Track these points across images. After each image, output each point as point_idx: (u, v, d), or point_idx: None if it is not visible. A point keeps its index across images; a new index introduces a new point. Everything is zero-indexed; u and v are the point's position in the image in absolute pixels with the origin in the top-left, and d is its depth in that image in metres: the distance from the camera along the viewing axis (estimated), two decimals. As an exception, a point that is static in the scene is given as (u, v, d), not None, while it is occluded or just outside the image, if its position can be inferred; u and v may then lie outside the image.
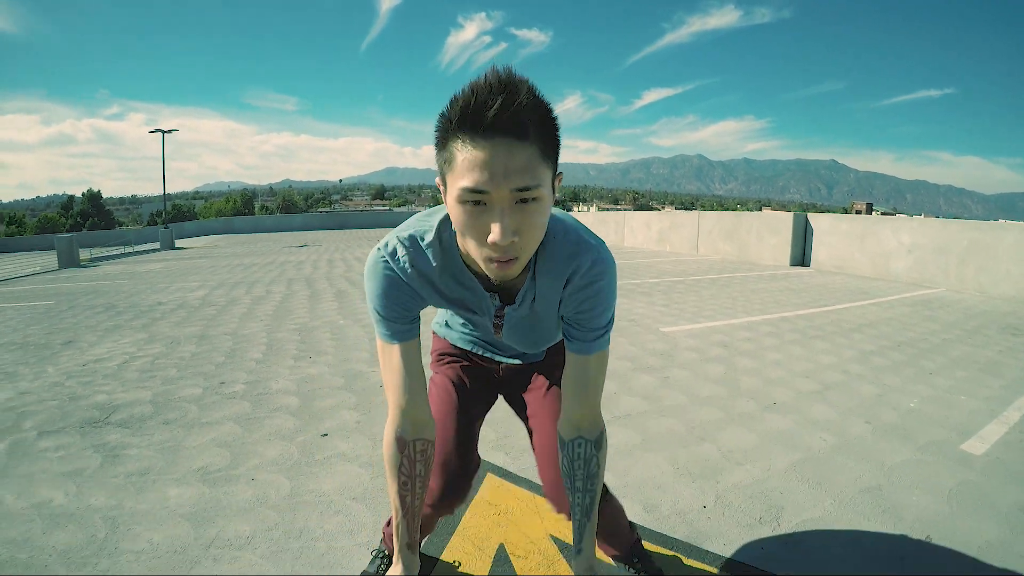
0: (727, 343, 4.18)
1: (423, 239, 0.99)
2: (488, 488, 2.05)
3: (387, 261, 0.99)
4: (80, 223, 55.83)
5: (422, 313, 1.09)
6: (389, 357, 1.06)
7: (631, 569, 1.45)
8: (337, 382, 3.38)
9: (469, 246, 0.85)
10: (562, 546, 1.69)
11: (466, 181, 0.77)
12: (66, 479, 2.19)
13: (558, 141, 0.82)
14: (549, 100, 0.80)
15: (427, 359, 1.40)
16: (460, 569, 1.58)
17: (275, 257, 13.34)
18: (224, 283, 8.63)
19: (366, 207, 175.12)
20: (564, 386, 1.11)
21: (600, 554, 1.46)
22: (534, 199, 0.80)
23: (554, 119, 0.81)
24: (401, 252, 0.98)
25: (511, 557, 1.63)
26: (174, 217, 55.25)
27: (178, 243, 22.66)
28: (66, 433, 2.67)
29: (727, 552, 1.65)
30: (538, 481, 2.02)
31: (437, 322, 1.49)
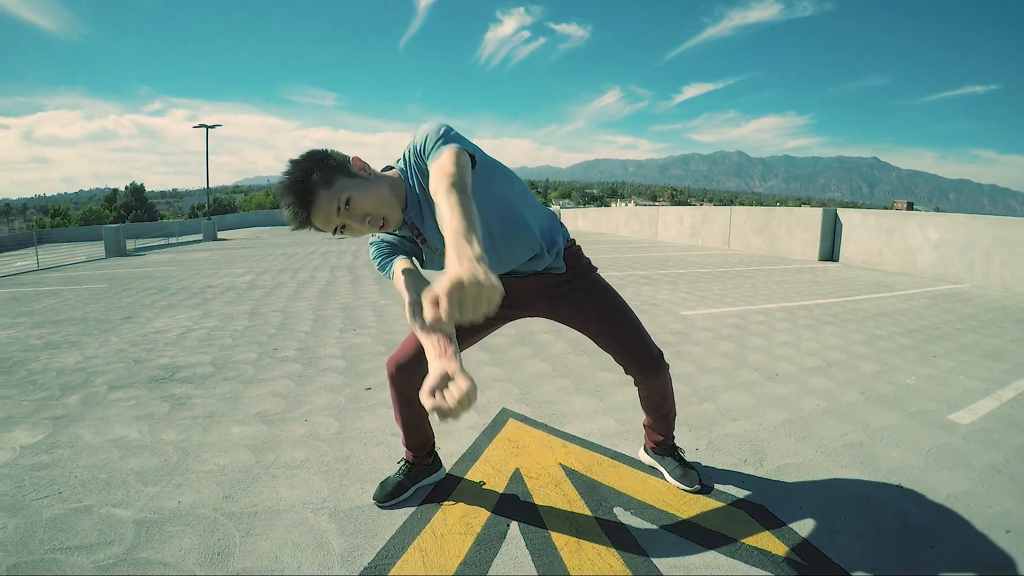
0: (741, 325, 4.40)
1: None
2: (510, 429, 2.38)
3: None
4: (124, 215, 57.95)
5: None
6: None
7: (672, 459, 1.91)
8: (379, 349, 3.75)
9: None
10: (568, 472, 2.00)
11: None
12: (139, 421, 2.56)
13: (327, 165, 1.25)
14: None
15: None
16: (483, 487, 1.90)
17: (316, 247, 13.89)
18: (269, 269, 9.14)
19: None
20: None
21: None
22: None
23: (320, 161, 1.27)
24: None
25: (524, 478, 1.95)
26: (215, 210, 56.93)
27: (220, 235, 23.53)
28: (135, 387, 3.05)
29: (710, 482, 1.92)
30: (556, 427, 2.34)
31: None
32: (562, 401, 2.72)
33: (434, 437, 1.89)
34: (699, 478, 1.88)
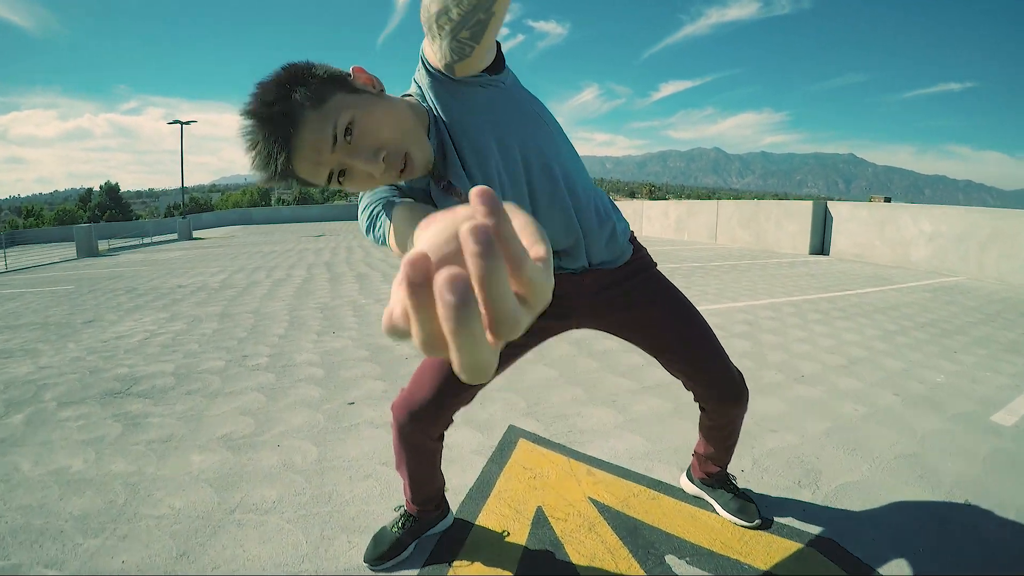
0: (752, 322, 4.15)
1: None
2: (522, 452, 2.04)
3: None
4: (98, 215, 56.41)
5: None
6: None
7: (725, 490, 1.61)
8: (362, 354, 3.39)
9: None
10: (601, 508, 1.67)
11: None
12: (85, 447, 2.19)
13: (313, 75, 0.80)
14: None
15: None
16: (505, 538, 1.54)
17: (293, 245, 13.42)
18: (244, 268, 8.69)
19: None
20: None
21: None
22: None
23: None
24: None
25: (550, 519, 1.61)
26: (191, 209, 55.67)
27: (196, 234, 22.86)
28: (87, 403, 2.68)
29: (768, 514, 1.63)
30: (575, 447, 2.02)
31: None
32: (576, 414, 2.40)
33: (444, 483, 1.51)
34: (758, 511, 1.57)
